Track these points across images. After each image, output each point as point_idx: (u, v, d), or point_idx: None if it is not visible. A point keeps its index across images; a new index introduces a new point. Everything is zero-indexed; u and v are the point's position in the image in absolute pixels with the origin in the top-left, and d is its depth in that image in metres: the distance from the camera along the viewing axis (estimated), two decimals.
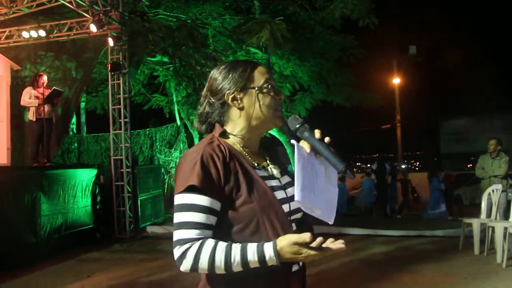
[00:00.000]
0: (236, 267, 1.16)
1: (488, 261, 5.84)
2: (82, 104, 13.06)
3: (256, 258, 1.16)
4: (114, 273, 5.78)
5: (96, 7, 8.19)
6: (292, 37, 9.15)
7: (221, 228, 1.24)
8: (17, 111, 8.64)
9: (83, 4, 8.02)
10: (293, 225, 1.31)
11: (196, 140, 12.71)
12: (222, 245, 1.17)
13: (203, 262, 1.16)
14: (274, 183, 1.36)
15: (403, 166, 19.62)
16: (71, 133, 13.21)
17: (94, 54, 10.17)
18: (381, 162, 11.78)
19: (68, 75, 10.13)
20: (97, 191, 8.30)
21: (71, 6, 8.13)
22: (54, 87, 7.72)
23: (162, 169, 12.00)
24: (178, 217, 1.22)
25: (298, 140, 1.29)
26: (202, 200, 1.21)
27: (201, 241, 1.18)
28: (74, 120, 13.11)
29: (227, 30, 10.66)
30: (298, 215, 1.35)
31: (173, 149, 13.09)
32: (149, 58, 10.89)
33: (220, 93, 1.37)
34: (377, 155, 13.16)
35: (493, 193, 6.49)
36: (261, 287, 1.25)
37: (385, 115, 21.50)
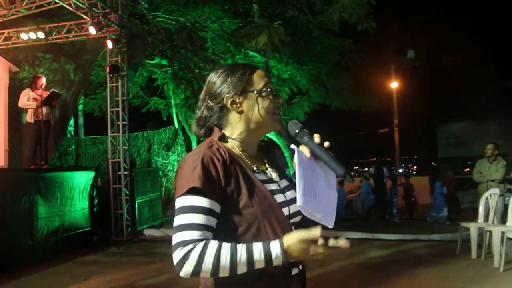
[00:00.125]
0: (242, 267, 1.15)
1: (485, 265, 5.84)
2: (80, 106, 13.03)
3: (262, 257, 1.15)
4: (111, 276, 5.77)
5: (95, 9, 8.19)
6: (290, 40, 9.17)
7: (221, 231, 1.23)
8: (14, 112, 8.62)
9: (82, 6, 8.03)
10: (293, 228, 1.31)
11: (194, 143, 12.69)
12: (226, 245, 1.16)
13: (208, 263, 1.14)
14: (273, 186, 1.36)
15: (400, 170, 19.63)
16: (68, 135, 13.17)
17: (93, 56, 10.16)
18: (378, 166, 11.79)
19: (67, 77, 10.12)
20: (94, 193, 8.28)
21: (70, 8, 8.13)
22: (53, 89, 7.71)
23: (160, 172, 11.98)
24: (179, 219, 1.21)
25: (298, 145, 1.30)
26: (203, 202, 1.20)
27: (204, 241, 1.17)
28: (72, 122, 13.07)
29: (226, 33, 10.67)
30: (297, 218, 1.35)
31: (170, 152, 13.08)
32: (148, 61, 10.89)
33: (219, 97, 1.37)
34: (375, 159, 13.16)
35: (490, 197, 6.50)
36: None
37: (383, 119, 21.54)
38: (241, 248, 1.15)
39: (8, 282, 5.37)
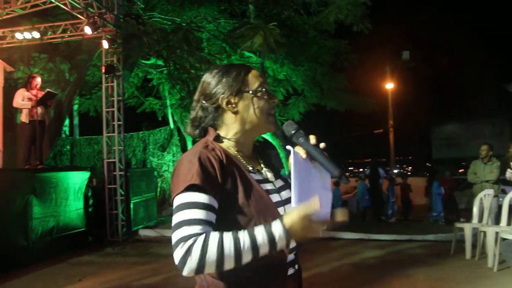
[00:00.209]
0: (246, 254, 1.11)
1: (479, 266, 5.87)
2: (75, 106, 12.98)
3: (266, 240, 1.12)
4: (106, 276, 5.75)
5: (91, 9, 8.17)
6: (286, 41, 9.19)
7: (217, 230, 1.23)
8: (8, 113, 8.57)
9: (78, 6, 8.00)
10: None
11: (189, 144, 12.67)
12: (228, 233, 1.13)
13: (211, 254, 1.10)
14: (269, 186, 1.37)
15: (395, 171, 19.70)
16: (63, 135, 13.11)
17: (88, 56, 10.14)
18: (373, 167, 11.83)
19: (62, 77, 10.09)
20: (89, 194, 8.26)
21: (65, 8, 8.10)
22: (48, 89, 7.67)
23: (155, 172, 11.96)
24: (178, 216, 1.18)
25: (293, 146, 1.30)
26: (203, 198, 1.19)
27: (205, 234, 1.13)
28: (67, 122, 13.03)
29: (222, 34, 10.68)
30: None
31: (166, 153, 13.04)
32: (144, 61, 10.88)
33: (214, 97, 1.37)
34: (370, 159, 13.20)
35: (484, 198, 6.54)
36: None
37: (378, 120, 21.63)
38: (243, 234, 1.12)
39: (2, 283, 5.34)
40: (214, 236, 1.12)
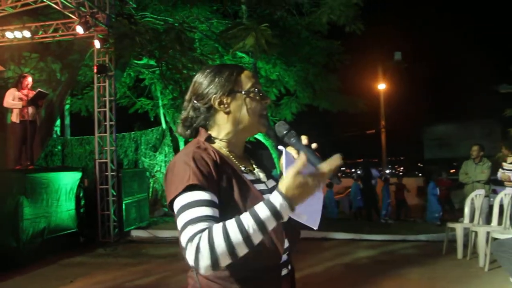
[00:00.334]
0: (254, 233, 1.08)
1: (470, 265, 5.92)
2: (67, 106, 12.89)
3: (268, 213, 1.08)
4: (98, 277, 5.72)
5: (83, 9, 8.12)
6: (278, 42, 9.20)
7: None
8: None
9: (69, 5, 7.94)
10: (281, 227, 1.30)
11: (181, 144, 12.64)
12: (229, 220, 1.10)
13: (219, 245, 1.07)
14: (261, 186, 1.37)
15: (387, 171, 19.80)
16: (55, 135, 13.00)
17: (80, 56, 10.07)
18: (366, 168, 11.88)
19: (53, 77, 10.00)
20: (81, 194, 8.19)
21: (57, 7, 8.04)
22: (39, 89, 7.61)
23: (147, 172, 11.91)
24: (182, 218, 1.16)
25: (285, 146, 1.30)
26: (203, 195, 1.18)
27: (208, 228, 1.11)
28: (58, 122, 12.92)
29: (214, 34, 10.67)
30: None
31: (158, 153, 12.99)
32: (136, 61, 10.83)
33: (206, 97, 1.36)
34: (362, 160, 13.26)
35: (476, 198, 6.59)
36: None
37: (370, 120, 21.72)
38: (245, 215, 1.10)
39: None
40: (217, 226, 1.10)
